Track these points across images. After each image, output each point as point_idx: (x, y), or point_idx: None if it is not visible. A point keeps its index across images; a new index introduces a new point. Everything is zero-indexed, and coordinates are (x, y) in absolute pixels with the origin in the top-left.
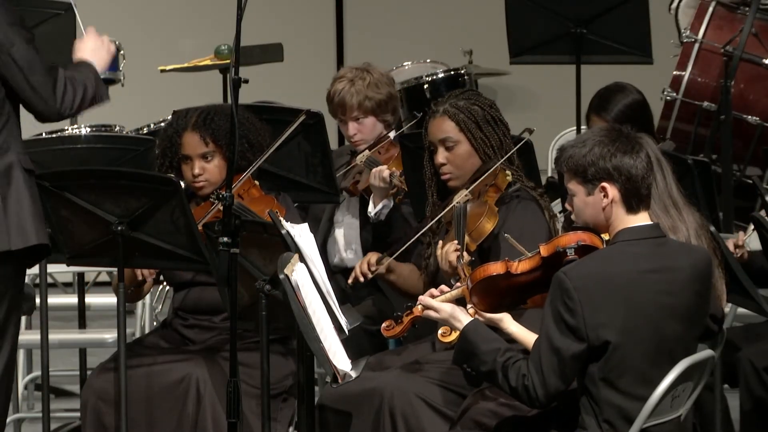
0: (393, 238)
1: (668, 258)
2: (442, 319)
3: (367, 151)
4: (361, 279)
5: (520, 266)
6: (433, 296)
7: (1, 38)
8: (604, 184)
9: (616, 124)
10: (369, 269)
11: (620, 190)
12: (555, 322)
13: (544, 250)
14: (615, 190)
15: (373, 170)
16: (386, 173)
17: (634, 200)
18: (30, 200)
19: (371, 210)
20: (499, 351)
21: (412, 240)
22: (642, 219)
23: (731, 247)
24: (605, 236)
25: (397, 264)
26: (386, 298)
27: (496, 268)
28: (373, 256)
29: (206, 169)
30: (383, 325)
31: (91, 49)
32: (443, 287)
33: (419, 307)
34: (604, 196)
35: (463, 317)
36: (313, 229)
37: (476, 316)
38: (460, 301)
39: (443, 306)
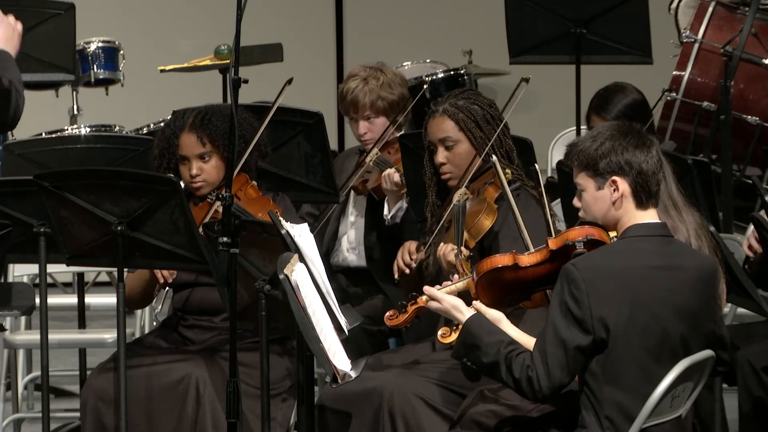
0: (405, 240)
1: (675, 257)
2: (445, 310)
3: (375, 149)
4: (407, 271)
5: (527, 258)
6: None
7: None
8: (615, 177)
9: (626, 121)
10: (411, 259)
11: (631, 184)
12: (561, 313)
13: (552, 243)
14: (626, 185)
15: (384, 175)
16: (396, 177)
17: (644, 195)
18: None
19: (386, 213)
20: (502, 343)
21: (437, 228)
22: (651, 216)
23: (754, 244)
24: (612, 234)
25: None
26: (386, 297)
27: (503, 259)
28: (412, 245)
29: (204, 169)
30: (387, 314)
31: (3, 36)
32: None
33: (424, 297)
34: (615, 190)
35: (466, 310)
36: (322, 229)
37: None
38: (465, 294)
39: (447, 297)
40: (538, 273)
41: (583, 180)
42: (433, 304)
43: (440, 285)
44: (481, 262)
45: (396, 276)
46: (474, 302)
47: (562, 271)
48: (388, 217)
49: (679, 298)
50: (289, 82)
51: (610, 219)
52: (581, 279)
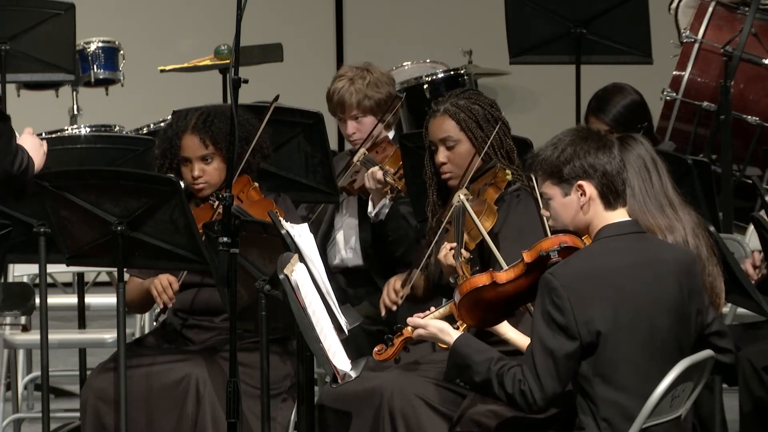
0: (394, 238)
1: (652, 251)
2: (432, 335)
3: (363, 149)
4: (394, 308)
5: (505, 275)
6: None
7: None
8: (580, 182)
9: (583, 126)
10: (397, 296)
11: (597, 186)
12: (546, 323)
13: (527, 257)
14: (592, 188)
15: (367, 172)
16: (379, 174)
17: (612, 195)
18: None
19: (370, 210)
20: (492, 360)
21: (429, 249)
22: (621, 215)
23: (750, 270)
24: (585, 239)
25: (415, 278)
26: None
27: (481, 279)
28: (397, 281)
29: (206, 171)
30: (375, 349)
31: (31, 147)
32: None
33: (409, 328)
34: (582, 195)
35: (453, 332)
36: (315, 230)
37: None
38: (448, 319)
39: (432, 323)
40: (517, 288)
41: (549, 189)
42: (420, 332)
43: (422, 314)
44: (461, 285)
45: (383, 313)
46: (456, 325)
47: (541, 281)
48: (372, 214)
49: (661, 292)
50: (276, 99)
51: (580, 224)
52: (560, 286)
